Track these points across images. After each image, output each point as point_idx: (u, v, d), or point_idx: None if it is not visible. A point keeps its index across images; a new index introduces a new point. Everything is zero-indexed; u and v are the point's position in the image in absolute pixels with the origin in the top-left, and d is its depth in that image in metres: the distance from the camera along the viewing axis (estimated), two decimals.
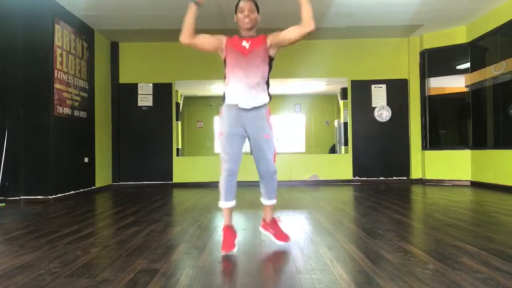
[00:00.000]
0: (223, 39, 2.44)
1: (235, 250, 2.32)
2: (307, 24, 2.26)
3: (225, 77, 2.46)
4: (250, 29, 2.42)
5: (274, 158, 2.45)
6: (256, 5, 2.43)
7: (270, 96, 2.47)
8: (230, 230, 2.43)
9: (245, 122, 2.39)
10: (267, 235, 2.57)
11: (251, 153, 2.49)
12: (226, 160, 2.42)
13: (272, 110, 2.55)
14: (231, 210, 2.49)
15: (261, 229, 2.63)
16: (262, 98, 2.40)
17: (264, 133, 2.40)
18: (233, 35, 2.47)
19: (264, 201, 2.55)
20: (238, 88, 2.37)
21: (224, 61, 2.47)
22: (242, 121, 2.39)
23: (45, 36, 4.85)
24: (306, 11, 2.25)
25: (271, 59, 2.46)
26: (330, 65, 6.95)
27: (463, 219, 3.31)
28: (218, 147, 2.48)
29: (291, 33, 2.35)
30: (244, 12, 2.38)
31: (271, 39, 2.40)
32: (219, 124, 2.46)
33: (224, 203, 2.46)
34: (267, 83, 2.46)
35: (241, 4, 2.40)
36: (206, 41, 2.41)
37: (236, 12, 2.43)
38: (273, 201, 2.53)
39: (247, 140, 2.50)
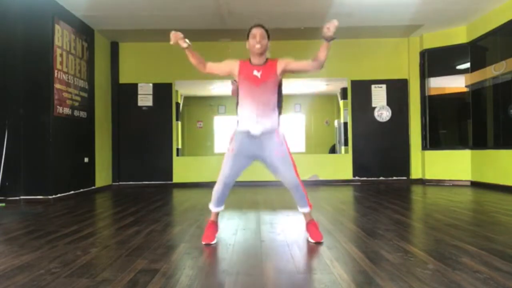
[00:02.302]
0: (235, 65, 2.60)
1: (214, 242, 2.58)
2: (318, 66, 2.50)
3: (237, 101, 2.64)
4: (260, 55, 2.55)
5: (295, 171, 2.62)
6: (267, 31, 2.58)
7: (279, 121, 2.66)
8: (213, 225, 2.67)
9: (256, 147, 2.58)
10: (307, 238, 2.68)
11: (274, 175, 2.70)
12: (226, 175, 2.59)
13: (284, 135, 2.68)
14: (217, 213, 2.76)
15: (305, 227, 2.76)
16: (272, 124, 2.58)
17: (275, 151, 2.58)
18: (246, 59, 2.61)
19: (299, 208, 2.75)
20: (249, 117, 2.55)
21: (236, 81, 2.65)
22: (253, 145, 2.58)
23: (45, 36, 4.85)
24: (323, 56, 2.49)
25: (280, 81, 2.64)
26: (330, 65, 6.83)
27: (463, 219, 3.31)
28: (223, 160, 2.65)
29: (302, 67, 2.56)
30: (256, 38, 2.51)
31: (282, 67, 2.57)
32: (231, 142, 2.63)
33: (214, 208, 2.72)
34: (279, 108, 2.65)
35: (253, 31, 2.55)
36: (219, 70, 2.65)
37: (248, 38, 2.56)
38: (305, 209, 2.70)
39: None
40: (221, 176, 2.60)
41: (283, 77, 2.68)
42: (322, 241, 2.57)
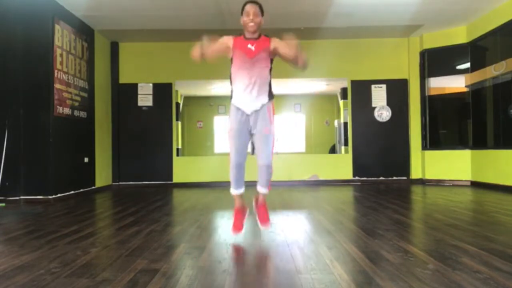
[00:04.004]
0: (230, 40, 2.63)
1: (242, 231, 2.65)
2: (301, 66, 2.55)
3: (230, 75, 2.66)
4: (254, 32, 2.59)
5: (271, 154, 2.66)
6: (261, 8, 2.60)
7: (273, 95, 2.68)
8: (239, 212, 2.73)
9: (250, 120, 2.63)
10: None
11: (252, 151, 2.76)
12: (233, 153, 2.63)
13: (273, 106, 2.72)
14: (241, 195, 2.76)
15: (253, 205, 2.86)
16: (263, 99, 2.61)
17: (264, 128, 2.61)
18: (240, 34, 2.64)
19: (258, 188, 2.77)
20: (243, 91, 2.58)
21: (231, 59, 2.65)
22: (247, 119, 2.62)
23: (45, 36, 4.85)
24: (301, 59, 2.51)
25: (271, 60, 2.66)
26: (330, 65, 6.95)
27: (463, 219, 3.31)
28: (226, 142, 2.72)
29: (288, 55, 2.54)
30: (249, 16, 2.54)
31: (274, 44, 2.59)
32: (228, 121, 2.68)
33: (234, 191, 2.73)
34: (270, 83, 2.67)
35: (247, 8, 2.56)
36: (215, 52, 2.64)
37: (242, 14, 2.58)
38: (264, 190, 2.75)
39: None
40: (231, 159, 2.65)
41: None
42: (269, 227, 2.69)
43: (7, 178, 4.72)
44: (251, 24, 2.53)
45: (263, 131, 2.60)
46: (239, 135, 2.62)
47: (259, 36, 2.63)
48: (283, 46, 2.55)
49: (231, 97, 2.67)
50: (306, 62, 2.55)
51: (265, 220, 2.72)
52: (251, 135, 2.67)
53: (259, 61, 2.57)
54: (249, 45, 2.58)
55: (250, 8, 2.55)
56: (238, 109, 2.61)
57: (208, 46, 2.57)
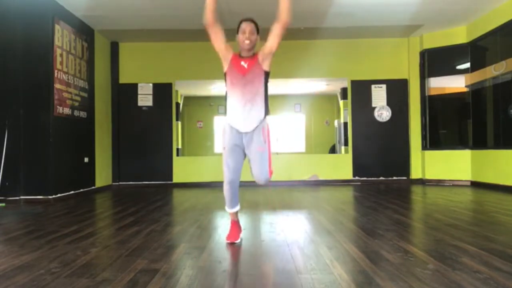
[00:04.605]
0: (230, 52, 2.60)
1: (238, 241, 2.64)
2: (282, 18, 2.42)
3: (226, 92, 2.63)
4: (249, 50, 2.58)
5: (269, 167, 2.62)
6: (256, 26, 2.59)
7: (268, 111, 2.64)
8: (236, 225, 2.74)
9: (244, 139, 2.59)
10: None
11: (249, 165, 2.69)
12: (227, 171, 2.60)
13: (272, 110, 2.72)
14: (236, 212, 2.75)
15: None
16: (258, 117, 2.57)
17: (257, 147, 2.57)
18: (237, 52, 2.62)
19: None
20: (237, 110, 2.55)
21: (225, 74, 2.63)
22: (241, 137, 2.59)
23: (45, 36, 4.85)
24: (283, 4, 2.43)
25: (267, 74, 2.61)
26: (330, 65, 6.95)
27: (463, 219, 3.31)
28: (222, 161, 2.67)
29: (272, 38, 2.49)
30: (245, 33, 2.54)
31: (260, 54, 2.58)
32: (222, 138, 2.65)
33: (229, 209, 2.71)
34: (266, 99, 2.62)
35: (243, 26, 2.57)
36: (219, 37, 2.57)
37: (237, 32, 2.58)
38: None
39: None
40: (224, 176, 2.62)
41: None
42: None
43: (7, 178, 4.72)
44: (247, 42, 2.52)
45: (257, 150, 2.56)
46: (232, 152, 2.58)
47: (254, 54, 2.61)
48: (266, 43, 2.52)
49: (225, 113, 2.65)
50: (289, 9, 2.46)
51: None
52: (245, 154, 2.64)
53: (252, 79, 2.54)
54: (242, 63, 2.56)
55: (246, 26, 2.55)
56: (232, 127, 2.58)
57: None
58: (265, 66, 2.58)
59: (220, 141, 2.68)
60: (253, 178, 2.64)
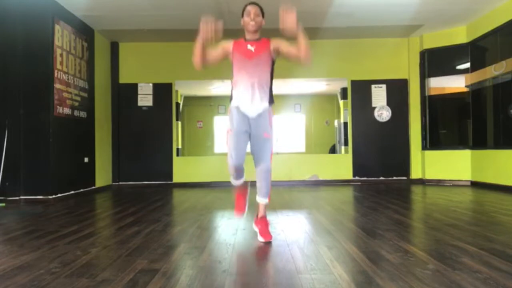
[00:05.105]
0: (229, 44, 2.63)
1: (245, 213, 2.77)
2: (306, 59, 2.42)
3: (232, 77, 2.66)
4: (255, 32, 2.61)
5: (270, 158, 2.66)
6: (261, 9, 2.63)
7: (273, 100, 2.67)
8: (241, 194, 2.81)
9: (250, 123, 2.62)
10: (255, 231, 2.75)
11: (251, 151, 2.71)
12: (232, 156, 2.62)
13: (272, 110, 2.71)
14: (243, 187, 2.83)
15: (253, 225, 2.84)
16: (264, 103, 2.60)
17: (264, 132, 2.61)
18: (240, 38, 2.65)
19: (258, 198, 2.75)
20: (244, 94, 2.57)
21: (232, 62, 2.67)
22: (248, 121, 2.62)
23: (45, 36, 4.85)
24: (304, 47, 2.38)
25: (273, 63, 2.66)
26: (330, 65, 6.95)
27: (463, 219, 3.31)
28: (225, 143, 2.72)
29: (292, 53, 2.50)
30: (250, 15, 2.57)
31: (274, 44, 2.59)
32: (228, 121, 2.67)
33: (235, 182, 2.79)
34: (270, 88, 2.65)
35: (248, 8, 2.60)
36: (215, 57, 2.64)
37: (242, 16, 2.61)
38: (264, 200, 2.73)
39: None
40: (229, 162, 2.65)
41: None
42: (271, 240, 2.60)
43: (7, 178, 4.72)
44: (252, 23, 2.55)
45: (263, 135, 2.60)
46: (238, 137, 2.60)
47: (260, 38, 2.64)
48: (285, 44, 2.55)
49: (230, 99, 2.67)
50: (309, 52, 2.40)
51: (266, 235, 2.62)
52: (250, 138, 2.66)
53: (259, 63, 2.57)
54: (249, 46, 2.59)
55: (251, 8, 2.59)
56: (239, 111, 2.60)
57: (209, 34, 2.41)
58: (273, 56, 2.63)
59: (227, 123, 2.69)
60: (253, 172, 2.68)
